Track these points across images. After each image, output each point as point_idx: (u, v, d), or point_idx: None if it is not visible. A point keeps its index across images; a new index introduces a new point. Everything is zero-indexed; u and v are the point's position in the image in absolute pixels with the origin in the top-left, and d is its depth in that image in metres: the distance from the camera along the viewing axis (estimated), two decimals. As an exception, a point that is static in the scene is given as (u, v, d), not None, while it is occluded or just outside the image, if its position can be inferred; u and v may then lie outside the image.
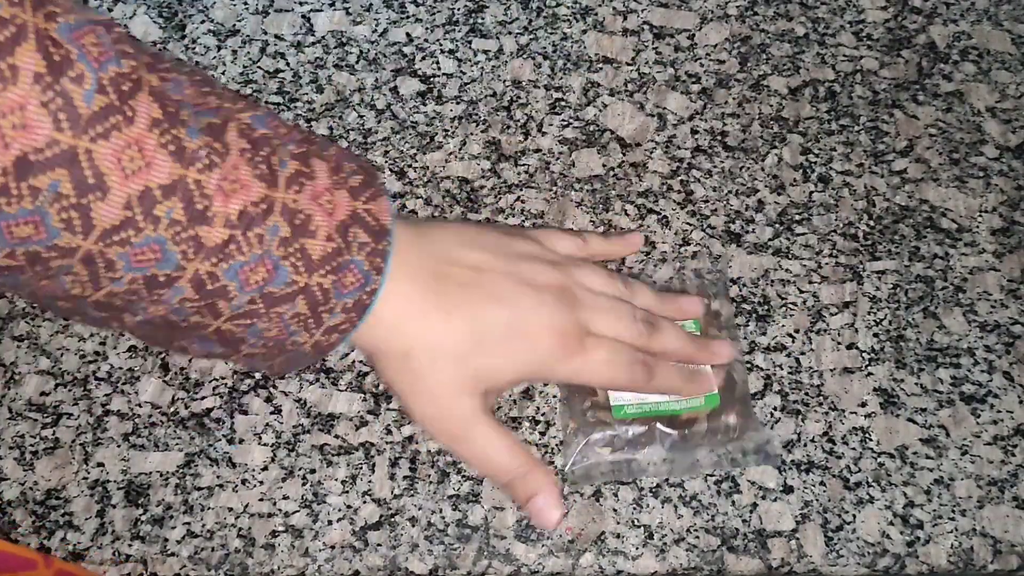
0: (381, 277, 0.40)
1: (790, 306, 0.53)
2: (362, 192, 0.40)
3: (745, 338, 0.52)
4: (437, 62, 0.61)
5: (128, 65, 0.33)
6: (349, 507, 0.47)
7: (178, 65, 0.36)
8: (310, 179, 0.38)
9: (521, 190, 0.56)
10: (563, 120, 0.59)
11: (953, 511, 0.48)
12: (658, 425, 0.48)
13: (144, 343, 0.44)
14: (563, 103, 0.59)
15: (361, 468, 0.48)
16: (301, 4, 0.63)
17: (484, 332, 0.42)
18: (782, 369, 0.51)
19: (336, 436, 0.49)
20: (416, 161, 0.57)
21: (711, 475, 0.48)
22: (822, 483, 0.48)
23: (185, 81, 0.36)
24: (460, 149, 0.57)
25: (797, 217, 0.56)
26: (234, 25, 0.62)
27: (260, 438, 0.49)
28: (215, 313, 0.38)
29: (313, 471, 0.48)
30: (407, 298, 0.41)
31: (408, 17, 0.62)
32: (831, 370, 0.51)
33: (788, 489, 0.48)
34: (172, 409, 0.49)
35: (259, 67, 0.60)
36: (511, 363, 0.43)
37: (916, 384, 0.51)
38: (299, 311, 0.39)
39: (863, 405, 0.50)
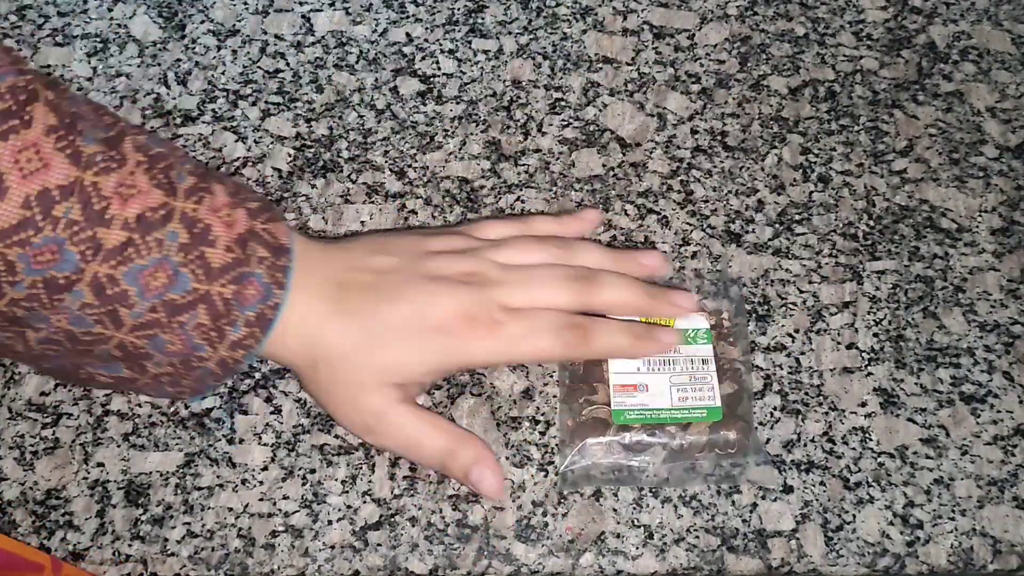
0: (283, 292, 0.41)
1: (790, 306, 0.53)
2: (260, 214, 0.42)
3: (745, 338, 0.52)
4: (437, 62, 0.61)
5: (24, 80, 0.36)
6: (349, 507, 0.47)
7: (76, 93, 0.39)
8: (209, 193, 0.40)
9: (521, 190, 0.56)
10: (563, 120, 0.59)
11: (953, 511, 0.48)
12: (657, 433, 0.48)
13: (52, 377, 0.44)
14: (563, 103, 0.59)
15: (361, 468, 0.48)
16: (301, 4, 0.63)
17: (382, 330, 0.42)
18: (782, 369, 0.51)
19: (336, 436, 0.49)
20: (416, 161, 0.57)
21: (711, 475, 0.48)
22: (822, 483, 0.48)
23: (81, 100, 0.38)
24: (460, 149, 0.57)
25: (797, 217, 0.56)
26: (234, 25, 0.62)
27: (260, 438, 0.49)
28: (117, 322, 0.38)
29: (313, 471, 0.48)
30: (311, 309, 0.42)
31: (408, 17, 0.62)
32: (831, 370, 0.51)
33: (788, 489, 0.48)
34: (172, 409, 0.49)
35: (259, 67, 0.60)
36: (420, 354, 0.43)
37: (916, 384, 0.51)
38: (201, 321, 0.39)
39: (863, 405, 0.50)
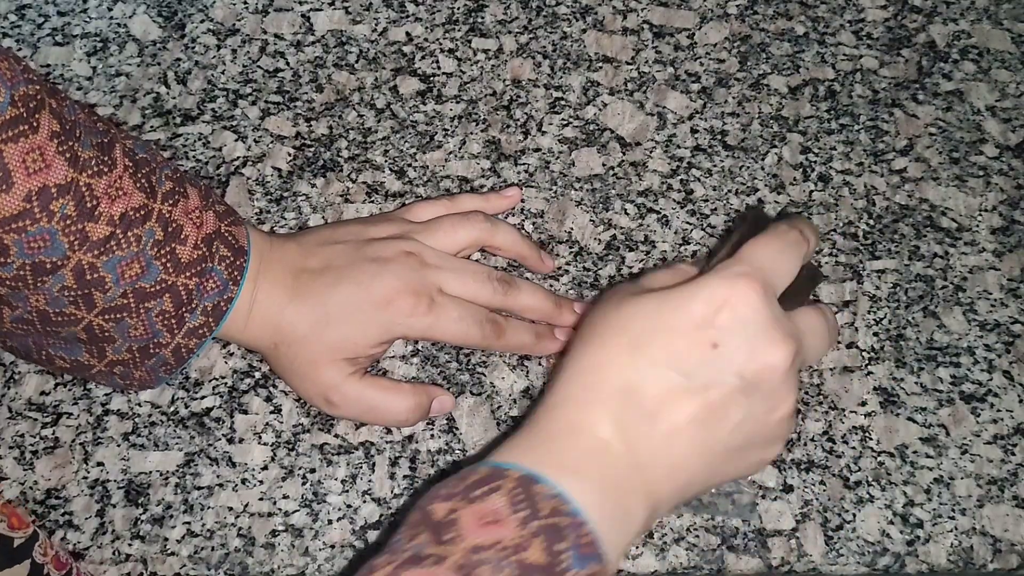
0: (238, 288, 0.46)
1: (790, 305, 0.53)
2: (226, 217, 0.47)
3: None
4: (437, 61, 0.61)
5: (33, 89, 0.40)
6: (349, 506, 0.47)
7: (69, 97, 0.43)
8: (184, 197, 0.45)
9: (521, 189, 0.56)
10: (563, 119, 0.59)
11: (953, 510, 0.48)
12: None
13: (12, 354, 0.49)
14: (563, 102, 0.59)
15: (361, 468, 0.48)
16: (301, 3, 0.63)
17: (331, 310, 0.46)
18: (782, 368, 0.51)
19: (336, 435, 0.49)
20: (416, 160, 0.57)
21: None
22: (822, 482, 0.48)
23: (77, 108, 0.43)
24: (460, 148, 0.57)
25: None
26: (234, 24, 0.62)
27: (260, 437, 0.49)
28: (90, 304, 0.43)
29: (313, 470, 0.48)
30: (269, 298, 0.47)
31: (408, 16, 0.62)
32: (831, 369, 0.51)
33: (788, 488, 0.48)
34: (172, 408, 0.49)
35: (259, 66, 0.60)
36: (366, 328, 0.47)
37: (916, 383, 0.51)
38: (165, 308, 0.44)
39: (863, 404, 0.50)
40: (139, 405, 0.49)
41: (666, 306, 0.37)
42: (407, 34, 0.62)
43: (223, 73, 0.60)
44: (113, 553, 0.46)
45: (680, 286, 0.38)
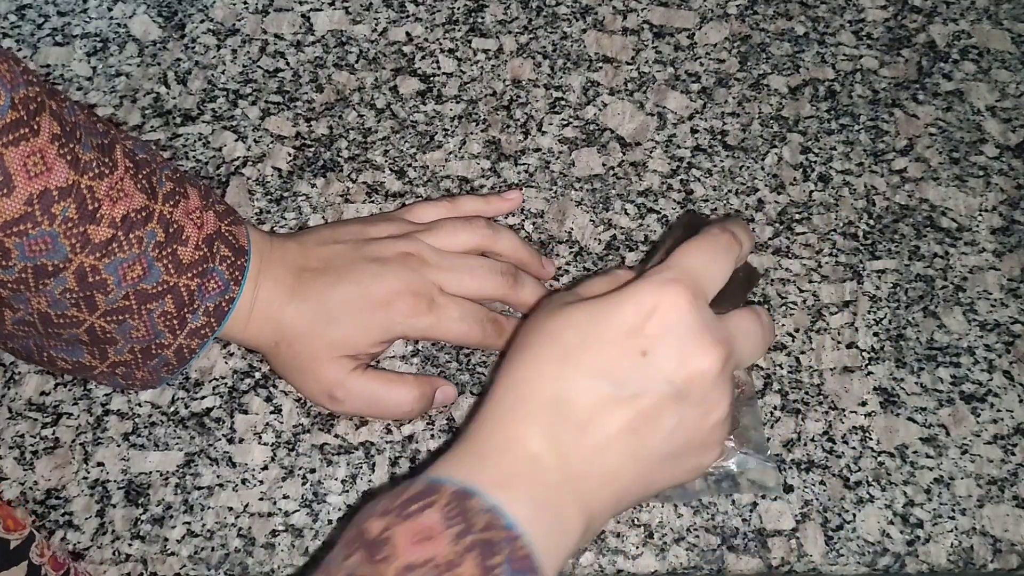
0: (239, 288, 0.46)
1: (790, 305, 0.53)
2: (226, 217, 0.47)
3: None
4: (437, 61, 0.61)
5: (33, 91, 0.40)
6: (349, 507, 0.47)
7: (69, 98, 0.43)
8: (184, 198, 0.45)
9: (521, 189, 0.56)
10: (563, 119, 0.59)
11: (953, 510, 0.48)
12: None
13: (13, 355, 0.49)
14: (563, 102, 0.59)
15: (361, 468, 0.48)
16: (301, 3, 0.63)
17: (332, 309, 0.46)
18: (782, 368, 0.51)
19: (336, 436, 0.49)
20: (416, 160, 0.57)
21: (711, 473, 0.48)
22: (822, 482, 0.48)
23: (77, 109, 0.43)
24: (460, 148, 0.57)
25: (797, 216, 0.56)
26: (234, 24, 0.62)
27: (260, 438, 0.49)
28: (92, 307, 0.43)
29: (313, 471, 0.48)
30: (272, 297, 0.47)
31: (408, 16, 0.62)
32: (831, 369, 0.51)
33: (788, 488, 0.48)
34: (172, 409, 0.49)
35: (259, 66, 0.60)
36: (366, 328, 0.47)
37: (916, 383, 0.51)
38: (166, 309, 0.44)
39: (863, 404, 0.50)
40: (139, 405, 0.49)
41: (596, 315, 0.38)
42: (407, 34, 0.62)
43: (223, 73, 0.60)
44: (113, 553, 0.46)
45: (610, 294, 0.38)
